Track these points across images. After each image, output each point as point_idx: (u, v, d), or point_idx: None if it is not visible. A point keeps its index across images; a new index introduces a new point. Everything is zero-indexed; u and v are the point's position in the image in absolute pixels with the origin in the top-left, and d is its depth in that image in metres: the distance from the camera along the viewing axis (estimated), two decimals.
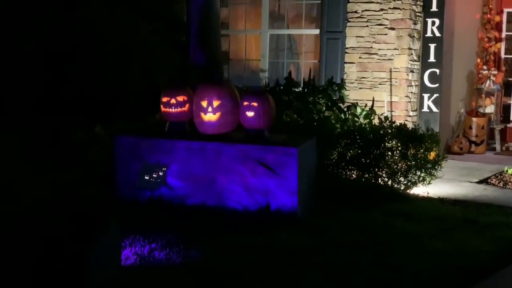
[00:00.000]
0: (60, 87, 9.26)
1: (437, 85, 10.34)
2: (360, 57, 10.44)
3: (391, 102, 10.11)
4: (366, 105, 9.35)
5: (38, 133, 8.71)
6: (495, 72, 12.10)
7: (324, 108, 9.01)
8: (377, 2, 10.27)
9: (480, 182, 9.06)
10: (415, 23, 10.21)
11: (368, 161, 8.00)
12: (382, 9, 10.25)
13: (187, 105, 7.23)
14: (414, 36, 10.20)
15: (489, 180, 9.18)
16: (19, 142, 8.61)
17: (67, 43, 9.41)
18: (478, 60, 12.33)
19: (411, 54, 10.18)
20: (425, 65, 10.40)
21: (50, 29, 9.50)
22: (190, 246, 5.67)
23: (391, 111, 10.05)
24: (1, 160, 8.14)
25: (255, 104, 6.89)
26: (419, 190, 8.12)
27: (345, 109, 9.05)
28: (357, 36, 10.46)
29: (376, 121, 8.79)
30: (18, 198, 6.72)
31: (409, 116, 10.19)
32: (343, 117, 8.82)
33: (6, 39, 9.70)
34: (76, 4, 9.91)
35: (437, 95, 10.34)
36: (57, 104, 9.17)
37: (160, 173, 7.06)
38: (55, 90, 9.26)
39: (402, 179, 8.02)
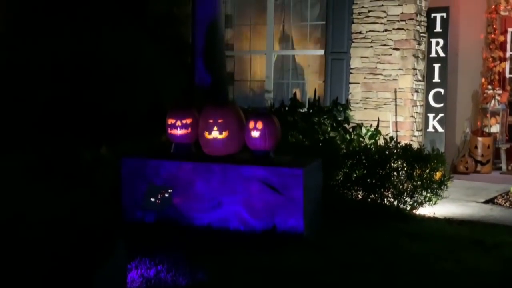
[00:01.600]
0: (66, 107, 9.30)
1: (442, 105, 10.35)
2: (365, 78, 10.46)
3: (396, 122, 10.12)
4: (371, 125, 9.36)
5: (44, 153, 8.73)
6: (500, 92, 12.11)
7: (329, 129, 9.01)
8: (381, 23, 10.30)
9: (486, 202, 9.04)
10: (419, 44, 10.24)
11: (373, 181, 8.00)
12: (386, 30, 10.28)
13: (192, 127, 7.26)
14: (418, 57, 10.23)
15: (495, 200, 9.16)
16: (25, 162, 8.63)
17: (74, 63, 9.46)
18: (483, 80, 12.35)
19: (416, 74, 10.20)
20: (429, 85, 10.41)
21: (56, 49, 9.56)
22: (196, 268, 5.65)
23: (396, 131, 10.06)
24: (7, 180, 8.15)
25: (260, 125, 6.91)
26: (425, 210, 8.10)
27: (350, 130, 9.06)
28: (361, 57, 10.48)
29: (381, 141, 8.79)
30: (23, 218, 6.72)
31: (415, 136, 10.19)
32: (349, 138, 8.82)
33: (13, 58, 9.76)
34: (84, 25, 9.98)
35: (442, 115, 10.34)
36: (63, 124, 9.20)
37: (166, 194, 7.07)
38: (61, 110, 9.30)
39: (408, 199, 8.02)
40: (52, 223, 5.93)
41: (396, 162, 8.15)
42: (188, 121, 7.28)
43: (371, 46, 10.41)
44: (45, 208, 7.06)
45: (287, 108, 9.59)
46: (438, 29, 10.32)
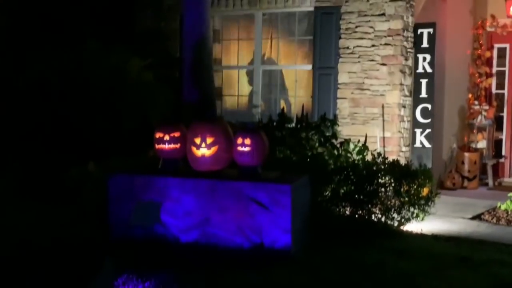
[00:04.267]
0: (53, 124, 9.26)
1: (429, 120, 10.38)
2: (352, 93, 10.48)
3: (383, 137, 10.14)
4: (359, 141, 9.36)
5: (31, 171, 8.68)
6: (487, 107, 12.19)
7: (317, 144, 9.02)
8: (369, 39, 10.34)
9: (473, 218, 9.06)
10: (406, 59, 10.28)
11: (361, 197, 7.99)
12: (373, 45, 10.32)
13: (180, 142, 7.24)
14: (405, 72, 10.27)
15: (482, 216, 9.18)
16: (11, 179, 8.58)
17: (60, 79, 9.43)
18: (470, 95, 12.43)
19: (403, 89, 10.24)
20: (417, 100, 10.45)
21: (43, 66, 9.54)
22: (183, 285, 5.63)
23: (384, 146, 10.07)
24: None
25: (248, 141, 6.91)
26: (413, 226, 8.11)
27: (338, 145, 9.07)
28: (349, 72, 10.52)
29: (369, 157, 8.80)
30: (8, 238, 6.68)
31: (402, 151, 10.21)
32: (336, 153, 8.82)
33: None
34: (70, 41, 9.97)
35: (429, 130, 10.37)
36: (50, 141, 9.16)
37: (154, 211, 7.04)
38: (47, 127, 9.26)
39: (395, 215, 8.02)
40: (37, 242, 5.91)
41: (383, 178, 8.16)
42: (176, 134, 7.26)
43: (359, 61, 10.44)
44: (31, 227, 7.02)
45: (275, 124, 9.59)
46: (425, 44, 10.36)
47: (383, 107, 10.21)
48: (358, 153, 8.96)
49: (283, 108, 10.72)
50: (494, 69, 12.61)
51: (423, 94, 10.41)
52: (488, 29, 12.46)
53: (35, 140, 9.16)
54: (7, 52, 9.85)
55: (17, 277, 4.48)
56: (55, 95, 9.31)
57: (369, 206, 7.98)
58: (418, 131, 10.44)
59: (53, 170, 8.48)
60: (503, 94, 12.64)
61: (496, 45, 12.60)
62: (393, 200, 8.07)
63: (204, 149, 7.04)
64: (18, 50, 9.93)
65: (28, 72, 9.49)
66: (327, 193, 8.07)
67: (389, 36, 10.21)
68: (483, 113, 12.09)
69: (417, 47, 10.44)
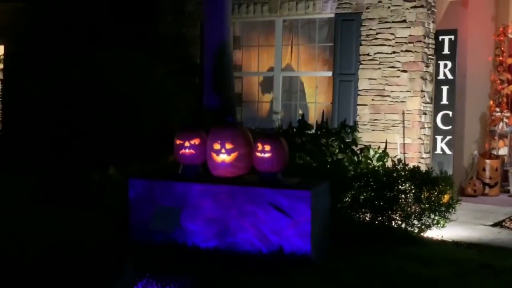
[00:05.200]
0: (75, 128, 9.33)
1: (450, 127, 10.34)
2: (372, 99, 10.46)
3: (404, 144, 10.11)
4: (379, 147, 9.35)
5: (53, 174, 8.75)
6: (508, 114, 12.13)
7: (337, 151, 9.01)
8: (389, 45, 10.33)
9: (494, 225, 9.01)
10: (427, 66, 10.25)
11: (381, 203, 7.98)
12: (394, 52, 10.30)
13: (200, 148, 7.25)
14: (426, 79, 10.24)
15: (503, 223, 9.13)
16: (34, 183, 8.66)
17: (83, 84, 9.50)
18: (491, 102, 12.37)
19: (424, 96, 10.20)
20: (437, 107, 10.41)
21: (66, 73, 9.62)
22: None
23: (404, 153, 10.04)
24: (16, 201, 8.19)
25: (268, 147, 6.90)
26: (433, 233, 8.08)
27: (358, 152, 9.05)
28: (369, 79, 10.50)
29: (389, 163, 8.78)
30: (31, 240, 6.73)
31: (422, 158, 10.17)
32: (356, 160, 8.81)
33: (24, 80, 9.84)
34: (93, 47, 10.04)
35: (450, 137, 10.33)
36: (71, 146, 9.23)
37: (174, 216, 7.05)
38: (69, 132, 9.33)
39: (416, 222, 8.00)
40: (60, 245, 5.95)
41: (404, 184, 8.14)
42: (196, 141, 7.27)
43: (379, 68, 10.43)
44: (53, 230, 7.07)
45: (295, 130, 9.59)
46: (446, 51, 10.33)
47: (403, 113, 10.18)
48: (378, 159, 8.94)
49: (303, 114, 10.72)
50: None
51: (444, 101, 10.37)
52: (510, 36, 12.41)
53: (56, 144, 9.24)
54: (32, 57, 9.97)
55: (38, 280, 4.51)
56: (77, 99, 9.38)
57: (389, 212, 7.97)
58: (438, 137, 10.39)
59: (73, 174, 8.55)
60: None
61: None
62: (413, 207, 8.05)
63: (223, 155, 7.05)
64: (43, 54, 10.03)
65: (51, 77, 9.58)
66: (347, 199, 8.07)
67: (410, 42, 10.19)
68: (505, 120, 12.04)
69: (438, 53, 10.42)
